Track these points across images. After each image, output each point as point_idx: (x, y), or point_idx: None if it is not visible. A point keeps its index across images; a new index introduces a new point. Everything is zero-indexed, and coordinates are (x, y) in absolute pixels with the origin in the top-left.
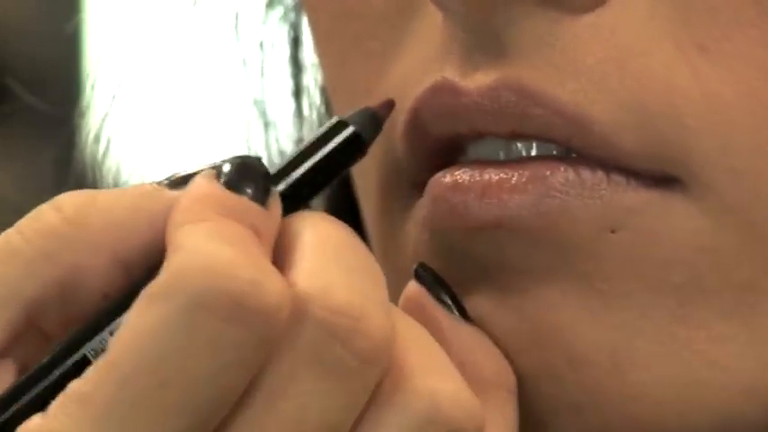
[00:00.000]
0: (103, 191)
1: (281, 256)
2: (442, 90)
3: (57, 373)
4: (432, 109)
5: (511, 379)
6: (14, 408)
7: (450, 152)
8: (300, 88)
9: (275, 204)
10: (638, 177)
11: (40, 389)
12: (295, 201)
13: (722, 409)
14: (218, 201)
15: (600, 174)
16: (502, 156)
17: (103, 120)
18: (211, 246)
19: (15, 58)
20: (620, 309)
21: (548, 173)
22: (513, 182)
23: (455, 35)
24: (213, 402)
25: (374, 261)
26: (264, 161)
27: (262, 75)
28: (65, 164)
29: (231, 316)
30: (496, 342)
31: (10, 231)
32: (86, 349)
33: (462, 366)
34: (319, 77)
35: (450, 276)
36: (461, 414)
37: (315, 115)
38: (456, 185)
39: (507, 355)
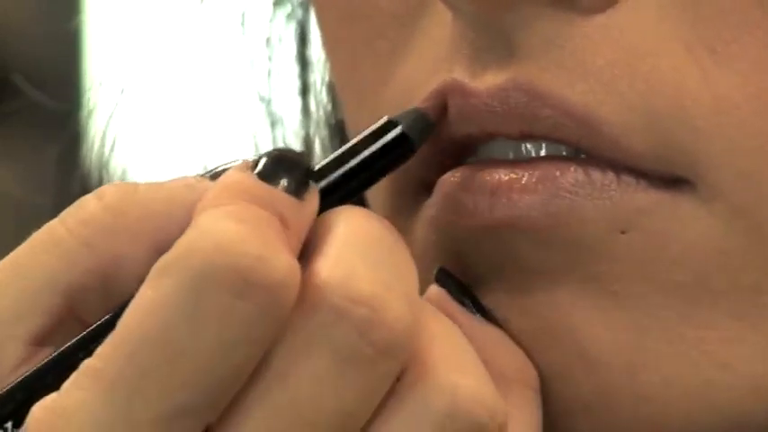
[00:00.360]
0: (144, 182)
1: (314, 249)
2: (452, 91)
3: (80, 355)
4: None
5: (534, 377)
6: (34, 388)
7: (459, 152)
8: (307, 86)
9: (311, 198)
10: (648, 178)
11: (60, 370)
12: (339, 198)
13: (731, 409)
14: (246, 189)
15: (610, 174)
16: (511, 156)
17: (110, 118)
18: (222, 224)
19: (18, 56)
20: (629, 309)
21: (557, 173)
22: (523, 182)
23: (464, 35)
24: (222, 377)
25: (408, 256)
26: None
27: (269, 72)
28: (68, 162)
29: (237, 290)
30: None
31: (53, 221)
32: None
33: (485, 365)
34: (326, 75)
35: (460, 276)
36: (482, 410)
37: (321, 112)
38: (465, 185)
39: None
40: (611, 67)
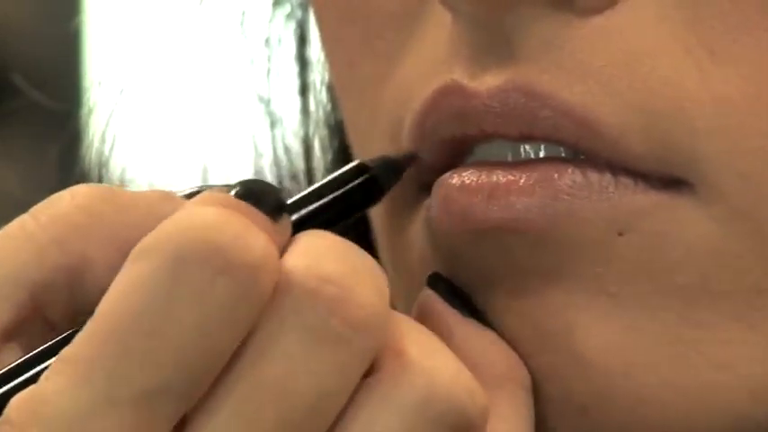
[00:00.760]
0: (121, 189)
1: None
2: (451, 92)
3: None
4: (440, 111)
5: (525, 377)
6: (13, 383)
7: (457, 153)
8: (306, 86)
9: (285, 225)
10: (647, 180)
11: (40, 368)
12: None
13: (730, 411)
14: (224, 201)
15: (608, 176)
16: (510, 157)
17: (109, 118)
18: (201, 209)
19: (18, 56)
20: (627, 311)
21: (555, 175)
22: (520, 184)
23: (464, 36)
24: (201, 357)
25: (376, 264)
26: (270, 159)
27: (268, 72)
28: (67, 161)
29: (215, 269)
30: None
31: (25, 215)
32: None
33: (474, 365)
34: (325, 75)
35: (457, 278)
36: (462, 393)
37: (321, 113)
38: (463, 186)
39: None
40: (609, 69)
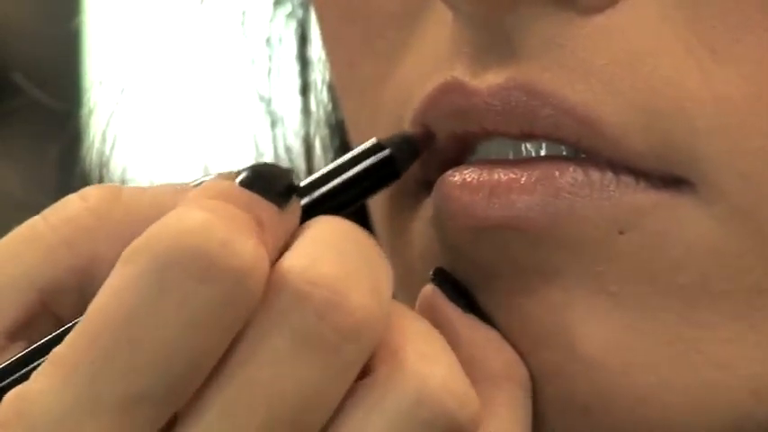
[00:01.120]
0: (129, 186)
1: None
2: (453, 90)
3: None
4: (441, 108)
5: (523, 375)
6: (9, 380)
7: (458, 151)
8: (307, 85)
9: (293, 210)
10: (648, 179)
11: (34, 365)
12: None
13: (730, 410)
14: (224, 191)
15: (609, 175)
16: (511, 156)
17: (110, 117)
18: (189, 213)
19: (19, 56)
20: (627, 310)
21: (557, 173)
22: (521, 182)
23: (465, 35)
24: (185, 363)
25: (382, 257)
26: (271, 158)
27: (269, 72)
28: (68, 161)
29: (201, 275)
30: None
31: (36, 217)
32: None
33: (472, 362)
34: (326, 74)
35: (457, 276)
36: (452, 399)
37: (322, 112)
38: (464, 184)
39: None
40: (611, 67)
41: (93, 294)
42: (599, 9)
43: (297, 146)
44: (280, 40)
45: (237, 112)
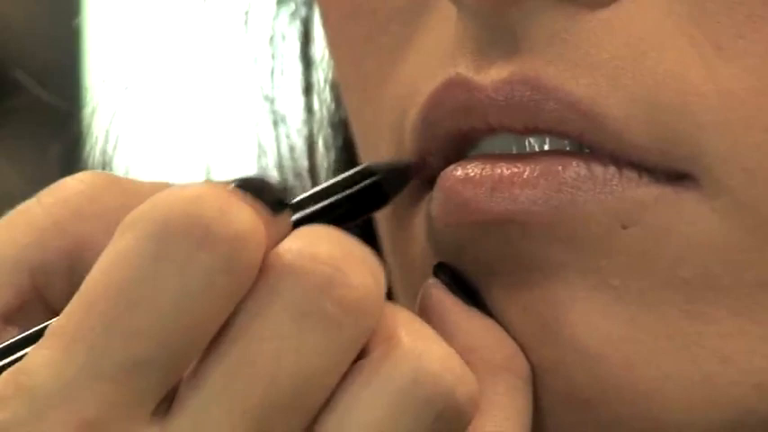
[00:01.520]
0: (126, 178)
1: None
2: (457, 85)
3: None
4: (445, 104)
5: (523, 366)
6: (11, 358)
7: (462, 147)
8: (311, 84)
9: (285, 218)
10: (651, 173)
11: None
12: None
13: (732, 405)
14: (220, 188)
15: (612, 169)
16: (514, 150)
17: (113, 116)
18: (186, 186)
19: (21, 54)
20: (629, 304)
21: (560, 167)
22: (524, 176)
23: (469, 30)
24: (182, 330)
25: (373, 254)
26: (274, 157)
27: (272, 71)
28: (71, 160)
29: (198, 241)
30: None
31: (32, 199)
32: None
33: (472, 352)
34: (330, 73)
35: (460, 270)
36: (450, 377)
37: (325, 111)
38: (467, 179)
39: None
40: (615, 61)
41: (83, 278)
42: (603, 3)
43: (300, 145)
44: (283, 38)
45: (240, 111)
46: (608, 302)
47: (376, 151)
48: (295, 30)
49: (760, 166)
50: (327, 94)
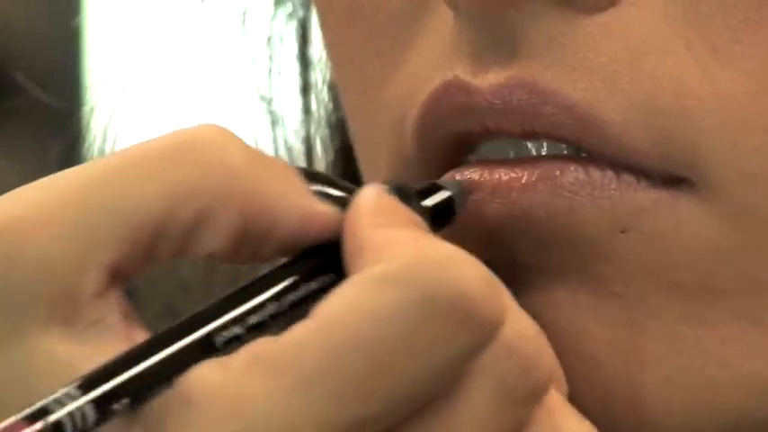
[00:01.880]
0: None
1: None
2: (455, 88)
3: (214, 336)
4: (444, 105)
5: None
6: (178, 346)
7: (460, 151)
8: (308, 85)
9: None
10: (649, 177)
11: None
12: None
13: (731, 409)
14: (394, 208)
15: (610, 173)
16: (512, 155)
17: (111, 116)
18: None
19: (20, 54)
20: (628, 308)
21: (558, 172)
22: (523, 181)
23: (466, 34)
24: (417, 399)
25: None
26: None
27: (269, 71)
28: (70, 159)
29: (461, 320)
30: None
31: (142, 144)
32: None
33: None
34: (327, 74)
35: None
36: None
37: (322, 112)
38: (465, 184)
39: None
40: (612, 66)
41: (188, 249)
42: (600, 7)
43: (297, 145)
44: (281, 39)
45: (238, 112)
46: (607, 307)
47: (375, 152)
48: (292, 30)
49: (759, 169)
50: (325, 95)
